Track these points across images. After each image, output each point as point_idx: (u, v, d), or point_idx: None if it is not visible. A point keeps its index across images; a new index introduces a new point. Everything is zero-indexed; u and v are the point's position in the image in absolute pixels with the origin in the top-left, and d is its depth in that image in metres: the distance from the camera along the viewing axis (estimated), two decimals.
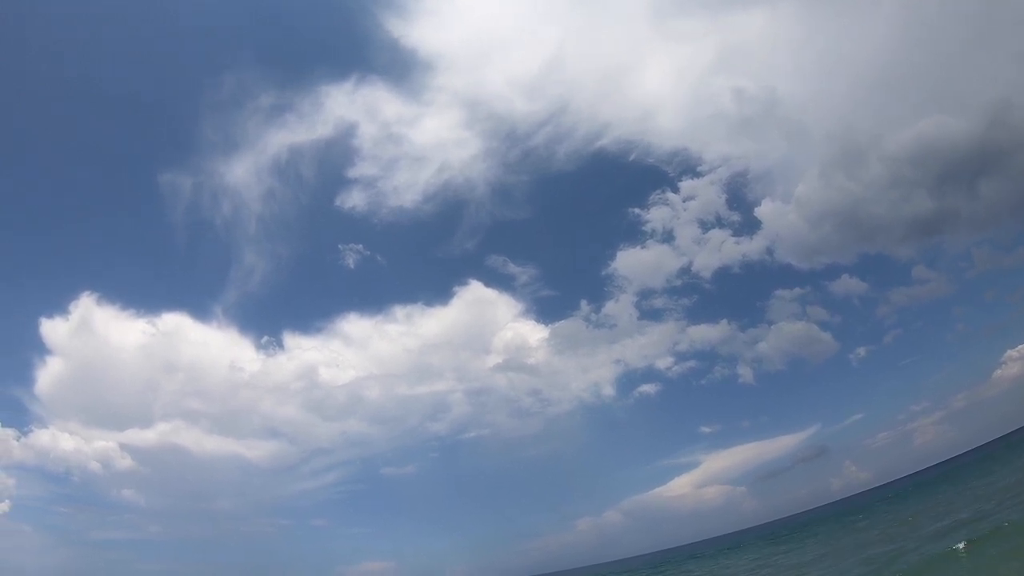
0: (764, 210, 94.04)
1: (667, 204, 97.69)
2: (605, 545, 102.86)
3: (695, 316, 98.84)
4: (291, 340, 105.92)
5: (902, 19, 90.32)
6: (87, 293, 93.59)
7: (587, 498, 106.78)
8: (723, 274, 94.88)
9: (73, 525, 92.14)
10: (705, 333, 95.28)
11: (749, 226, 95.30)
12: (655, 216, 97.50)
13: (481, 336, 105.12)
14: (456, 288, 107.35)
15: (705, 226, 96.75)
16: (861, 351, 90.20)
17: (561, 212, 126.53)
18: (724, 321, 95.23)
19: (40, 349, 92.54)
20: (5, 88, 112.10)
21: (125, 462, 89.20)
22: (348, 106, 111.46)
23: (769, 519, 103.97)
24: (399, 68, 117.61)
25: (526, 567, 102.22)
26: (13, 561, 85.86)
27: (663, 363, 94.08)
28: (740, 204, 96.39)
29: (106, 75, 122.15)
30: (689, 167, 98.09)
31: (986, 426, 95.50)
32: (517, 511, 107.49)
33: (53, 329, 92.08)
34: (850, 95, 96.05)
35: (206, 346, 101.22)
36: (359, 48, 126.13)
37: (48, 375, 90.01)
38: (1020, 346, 76.10)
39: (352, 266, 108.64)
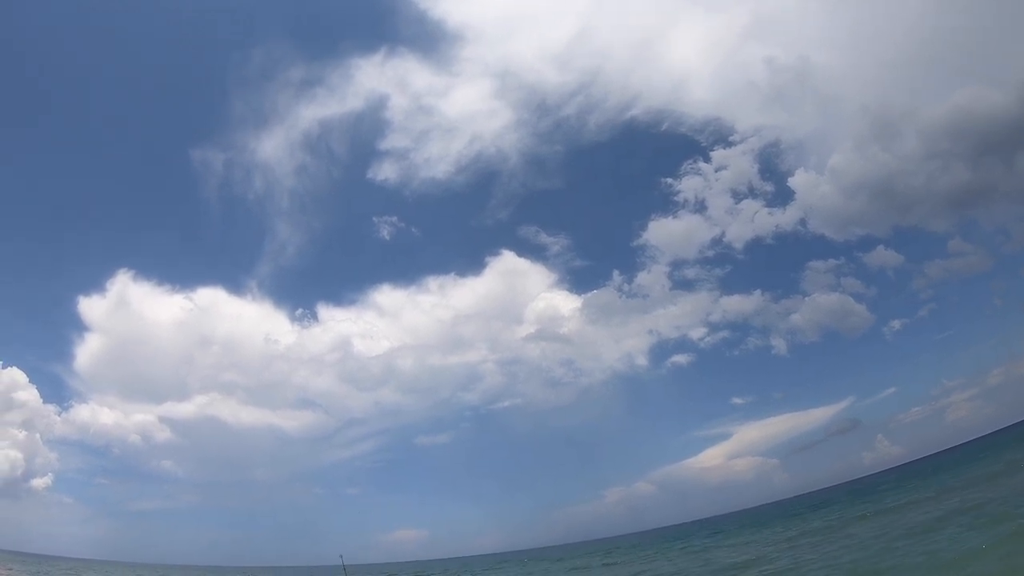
0: (797, 181, 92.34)
1: (699, 174, 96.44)
2: (635, 516, 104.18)
3: (728, 286, 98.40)
4: (325, 312, 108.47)
5: None
6: (123, 270, 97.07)
7: (618, 468, 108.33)
8: (756, 244, 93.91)
9: (113, 496, 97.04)
10: (738, 304, 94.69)
11: (782, 196, 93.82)
12: (687, 186, 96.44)
13: (513, 306, 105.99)
14: (488, 258, 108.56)
15: (737, 196, 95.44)
16: (896, 324, 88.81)
17: (593, 182, 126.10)
18: (757, 292, 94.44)
19: (79, 326, 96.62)
20: (34, 68, 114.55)
21: (163, 434, 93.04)
22: (378, 78, 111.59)
23: (801, 492, 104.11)
24: (428, 40, 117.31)
25: (554, 538, 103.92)
26: (56, 532, 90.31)
27: (696, 333, 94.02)
28: (773, 174, 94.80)
29: (136, 52, 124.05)
30: (721, 137, 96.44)
31: (1023, 403, 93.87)
32: (548, 481, 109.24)
33: (91, 306, 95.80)
34: (885, 66, 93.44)
35: (241, 319, 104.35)
36: (387, 20, 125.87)
37: (87, 351, 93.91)
38: None
39: (385, 238, 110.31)
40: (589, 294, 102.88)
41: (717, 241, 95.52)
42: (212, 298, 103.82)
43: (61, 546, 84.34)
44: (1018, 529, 16.29)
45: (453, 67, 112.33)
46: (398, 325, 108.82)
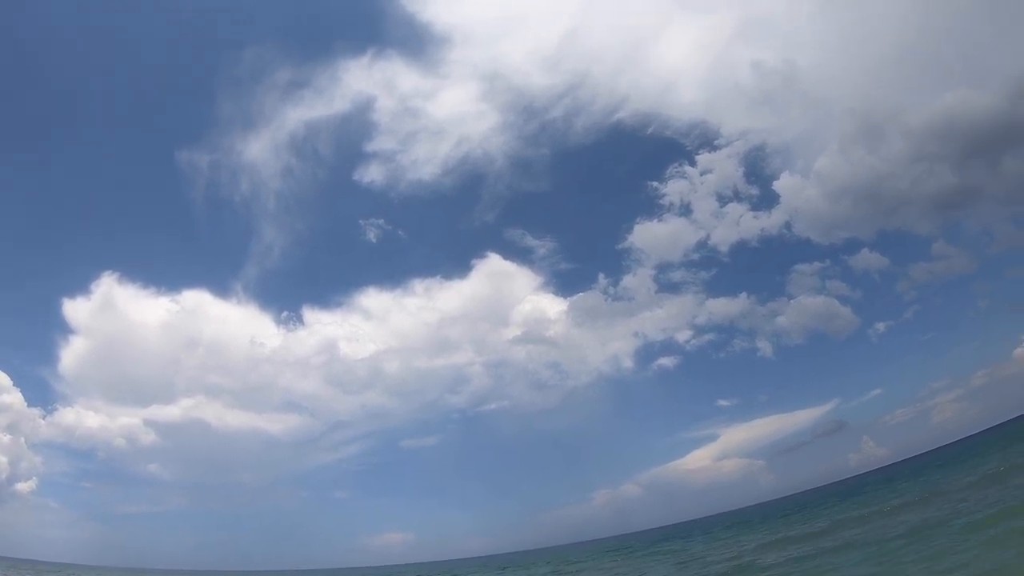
0: (782, 184, 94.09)
1: (684, 177, 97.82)
2: (622, 518, 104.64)
3: (714, 289, 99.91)
4: (311, 315, 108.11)
5: None
6: (108, 273, 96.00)
7: (605, 471, 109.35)
8: (741, 248, 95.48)
9: (99, 500, 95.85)
10: (724, 306, 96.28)
11: (767, 200, 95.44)
12: (672, 189, 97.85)
13: (500, 309, 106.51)
14: (475, 261, 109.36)
15: (723, 200, 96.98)
16: (881, 326, 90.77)
17: (579, 185, 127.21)
18: (743, 294, 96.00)
19: (63, 329, 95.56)
20: (19, 68, 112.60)
21: (149, 438, 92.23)
22: (365, 80, 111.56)
23: (787, 493, 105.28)
24: (415, 42, 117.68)
25: (541, 540, 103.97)
26: (41, 536, 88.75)
27: (682, 336, 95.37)
28: (758, 178, 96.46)
29: (123, 53, 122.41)
30: (707, 140, 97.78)
31: (1007, 404, 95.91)
32: (535, 484, 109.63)
33: (75, 309, 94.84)
34: (872, 68, 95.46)
35: (227, 322, 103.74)
36: (375, 23, 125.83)
37: (72, 354, 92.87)
38: None
39: (371, 240, 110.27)
40: (575, 297, 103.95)
41: (702, 244, 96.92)
42: (198, 300, 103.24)
43: (46, 551, 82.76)
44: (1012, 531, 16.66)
45: (441, 69, 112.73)
46: (384, 328, 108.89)
